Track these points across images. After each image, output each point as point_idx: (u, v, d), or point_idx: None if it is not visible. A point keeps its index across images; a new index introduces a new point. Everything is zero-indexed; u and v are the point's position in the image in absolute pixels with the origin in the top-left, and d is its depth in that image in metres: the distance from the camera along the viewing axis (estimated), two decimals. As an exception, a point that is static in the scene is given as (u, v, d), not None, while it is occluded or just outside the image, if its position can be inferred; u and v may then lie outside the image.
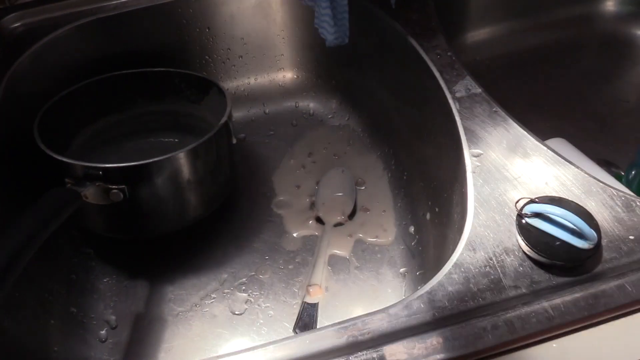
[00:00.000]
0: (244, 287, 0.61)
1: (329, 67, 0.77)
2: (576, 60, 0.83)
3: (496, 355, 0.35)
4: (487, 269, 0.40)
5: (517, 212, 0.42)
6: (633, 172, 0.62)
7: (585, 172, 0.45)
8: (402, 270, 0.61)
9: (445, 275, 0.40)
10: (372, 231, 0.65)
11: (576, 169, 0.46)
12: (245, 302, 0.60)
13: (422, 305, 0.38)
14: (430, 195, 0.61)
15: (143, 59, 0.72)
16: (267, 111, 0.80)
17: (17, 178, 0.61)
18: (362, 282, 0.61)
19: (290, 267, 0.63)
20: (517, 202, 0.43)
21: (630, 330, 0.36)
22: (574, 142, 0.65)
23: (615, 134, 0.74)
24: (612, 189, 0.44)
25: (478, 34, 0.84)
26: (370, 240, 0.65)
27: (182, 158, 0.56)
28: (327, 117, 0.79)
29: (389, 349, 0.35)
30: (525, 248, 0.40)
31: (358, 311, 0.58)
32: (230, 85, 0.79)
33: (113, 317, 0.59)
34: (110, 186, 0.53)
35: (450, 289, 0.39)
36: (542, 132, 0.67)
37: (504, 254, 0.41)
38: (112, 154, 0.68)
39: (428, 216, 0.61)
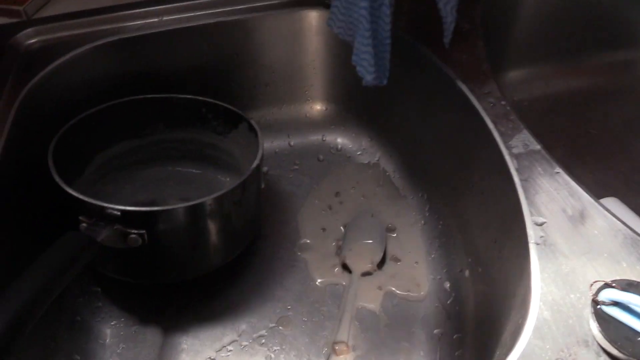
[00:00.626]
0: (263, 340, 0.56)
1: (362, 102, 0.73)
2: (618, 107, 0.79)
3: None
4: (557, 364, 0.35)
5: (592, 298, 0.37)
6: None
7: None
8: (436, 331, 0.56)
9: (510, 370, 0.35)
10: (403, 284, 0.61)
11: (654, 247, 0.41)
12: (265, 358, 0.55)
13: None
14: (470, 251, 0.56)
15: (165, 82, 0.68)
16: (292, 143, 0.76)
17: (29, 209, 0.56)
18: (392, 341, 0.56)
19: (314, 319, 0.58)
20: (591, 285, 0.38)
21: None
22: (621, 198, 0.60)
23: (663, 189, 0.69)
24: (694, 274, 0.39)
25: (517, 74, 0.80)
26: (401, 294, 0.60)
27: (209, 205, 0.51)
28: (355, 154, 0.74)
29: None
30: (602, 341, 0.35)
31: (390, 378, 0.54)
32: (255, 114, 0.75)
33: (120, 368, 0.54)
34: (128, 230, 0.48)
35: (518, 386, 0.34)
36: (587, 188, 0.62)
37: (577, 345, 0.36)
38: (127, 183, 0.64)
39: (467, 273, 0.56)
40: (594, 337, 0.36)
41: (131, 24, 0.67)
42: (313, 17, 0.68)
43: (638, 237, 0.42)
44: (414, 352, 0.55)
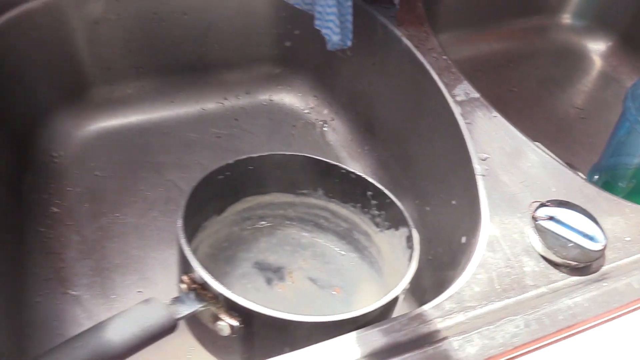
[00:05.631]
0: None
1: (309, 62, 0.77)
2: (533, 67, 0.88)
3: (531, 351, 0.37)
4: (508, 269, 0.42)
5: (531, 215, 0.44)
6: (596, 177, 0.68)
7: (582, 178, 0.49)
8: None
9: (471, 275, 0.41)
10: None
11: (573, 174, 0.49)
12: None
13: (454, 306, 0.39)
14: (417, 194, 0.62)
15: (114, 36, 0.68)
16: (240, 104, 0.78)
17: None
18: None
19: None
20: (530, 205, 0.45)
21: None
22: (539, 145, 0.69)
23: (571, 138, 0.80)
24: (606, 194, 0.48)
25: (446, 37, 0.87)
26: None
27: (322, 326, 0.42)
28: (303, 112, 0.78)
29: (434, 350, 0.36)
30: (541, 249, 0.43)
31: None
32: (202, 74, 0.76)
33: None
34: (221, 314, 0.42)
35: (477, 289, 0.40)
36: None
37: (521, 254, 0.43)
38: (266, 235, 0.61)
39: (416, 215, 0.62)
40: (534, 247, 0.43)
41: None
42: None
43: (563, 167, 0.50)
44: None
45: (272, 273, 0.58)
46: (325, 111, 0.78)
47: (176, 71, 0.75)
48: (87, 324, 0.55)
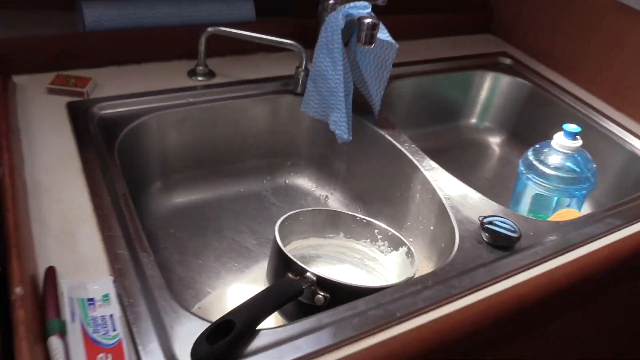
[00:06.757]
0: None
1: (316, 156, 1.12)
2: (456, 155, 1.30)
3: (490, 285, 0.71)
4: (472, 251, 0.77)
5: (480, 222, 0.80)
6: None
7: (502, 206, 0.86)
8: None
9: (454, 254, 0.75)
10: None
11: (496, 204, 0.87)
12: None
13: (451, 269, 0.73)
14: (402, 226, 0.97)
15: (186, 140, 1.00)
16: (266, 187, 1.11)
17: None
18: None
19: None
20: (479, 218, 0.81)
21: (542, 271, 0.76)
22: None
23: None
24: (518, 214, 0.85)
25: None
26: (364, 265, 0.97)
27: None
28: (310, 189, 1.12)
29: (444, 286, 0.69)
30: (487, 239, 0.78)
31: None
32: (241, 163, 1.09)
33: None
34: (318, 291, 0.70)
35: (460, 260, 0.75)
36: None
37: (478, 244, 0.78)
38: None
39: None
40: (484, 239, 0.79)
41: (167, 103, 0.98)
42: (285, 101, 1.07)
43: (492, 201, 0.87)
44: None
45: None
46: (327, 187, 1.13)
47: (223, 163, 1.08)
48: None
